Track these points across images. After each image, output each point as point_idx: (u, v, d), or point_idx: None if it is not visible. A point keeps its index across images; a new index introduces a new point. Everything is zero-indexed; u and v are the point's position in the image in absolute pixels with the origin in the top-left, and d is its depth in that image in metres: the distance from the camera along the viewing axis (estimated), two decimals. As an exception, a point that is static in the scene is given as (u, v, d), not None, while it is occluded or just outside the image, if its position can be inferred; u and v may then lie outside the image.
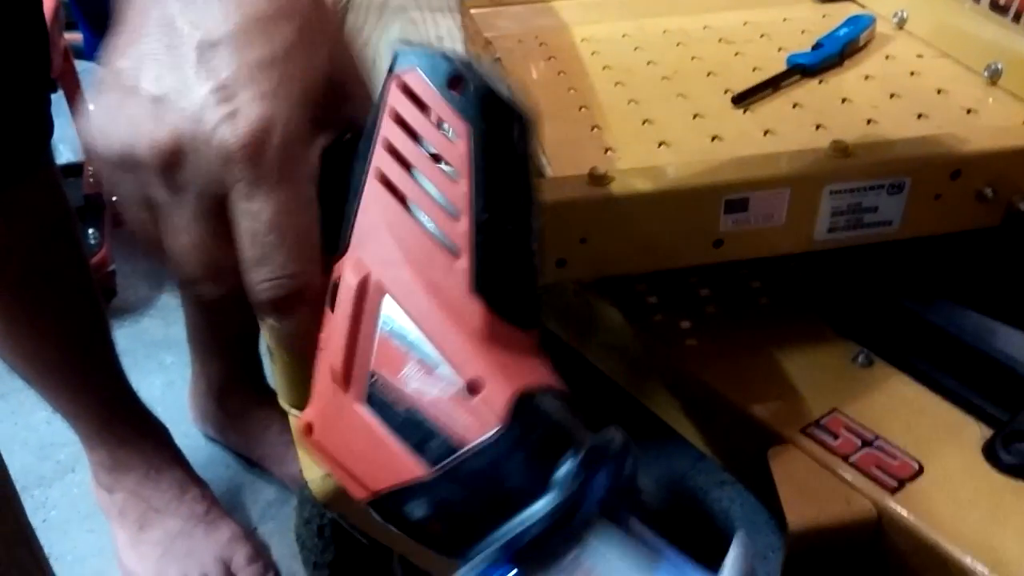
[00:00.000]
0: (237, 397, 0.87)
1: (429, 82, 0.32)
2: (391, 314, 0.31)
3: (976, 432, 0.58)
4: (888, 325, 0.64)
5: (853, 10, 0.79)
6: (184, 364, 0.94)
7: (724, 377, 0.64)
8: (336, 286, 0.32)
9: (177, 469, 0.81)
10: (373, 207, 0.32)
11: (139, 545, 0.79)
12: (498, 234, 0.32)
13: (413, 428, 0.29)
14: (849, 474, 0.56)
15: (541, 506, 0.28)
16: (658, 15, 0.80)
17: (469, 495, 0.29)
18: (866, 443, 0.58)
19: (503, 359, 0.30)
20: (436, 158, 0.32)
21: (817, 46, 0.70)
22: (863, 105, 0.65)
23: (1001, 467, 0.56)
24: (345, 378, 0.31)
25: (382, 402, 0.30)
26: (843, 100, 0.65)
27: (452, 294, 0.31)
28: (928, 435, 0.59)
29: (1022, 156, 0.57)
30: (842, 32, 0.71)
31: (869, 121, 0.63)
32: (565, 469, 0.29)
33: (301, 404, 0.49)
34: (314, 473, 0.49)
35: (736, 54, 0.74)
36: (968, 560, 0.51)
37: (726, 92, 0.66)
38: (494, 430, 0.29)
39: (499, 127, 0.32)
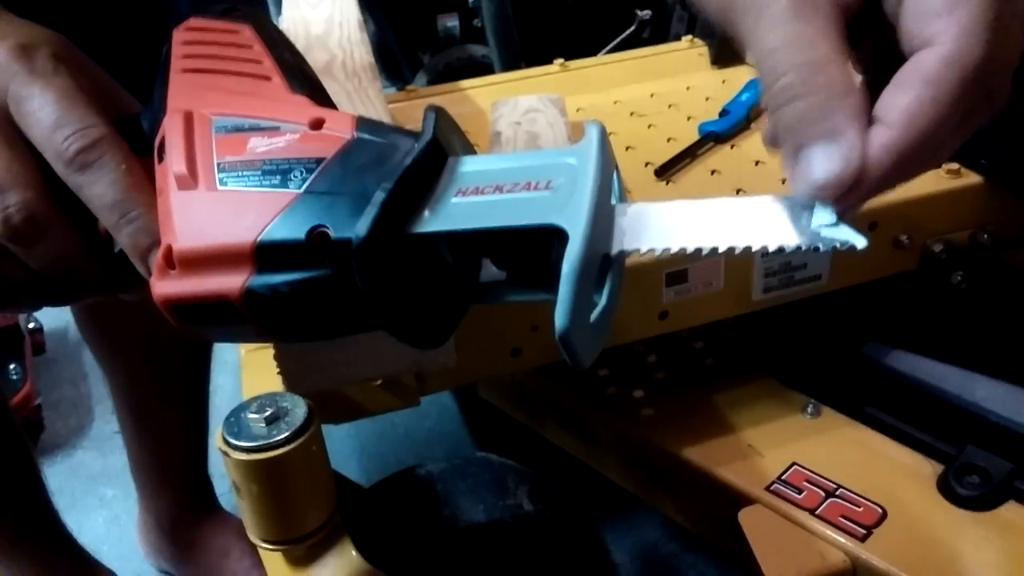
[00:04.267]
0: (190, 527, 0.83)
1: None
2: (222, 116, 0.35)
3: (929, 469, 0.61)
4: (830, 373, 0.66)
5: (749, 73, 0.84)
6: (126, 495, 0.89)
7: (683, 442, 0.65)
8: (162, 139, 0.35)
9: (130, 612, 0.77)
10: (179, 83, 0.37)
11: None
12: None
13: (272, 174, 0.33)
14: (819, 527, 0.57)
15: (416, 148, 0.33)
16: (569, 94, 0.83)
17: (338, 195, 0.32)
18: (829, 494, 0.60)
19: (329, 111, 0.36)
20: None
21: (724, 112, 0.74)
22: (776, 166, 0.68)
23: (957, 501, 0.58)
24: (192, 176, 0.33)
25: (236, 175, 0.33)
26: (756, 163, 0.68)
27: (276, 95, 0.36)
28: (884, 478, 0.61)
29: (931, 203, 0.60)
30: (744, 97, 0.75)
31: (784, 180, 0.66)
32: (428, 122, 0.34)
33: (271, 537, 0.47)
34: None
35: (649, 126, 0.77)
36: (942, 597, 0.52)
37: (647, 165, 0.69)
38: (348, 138, 0.33)
39: None
